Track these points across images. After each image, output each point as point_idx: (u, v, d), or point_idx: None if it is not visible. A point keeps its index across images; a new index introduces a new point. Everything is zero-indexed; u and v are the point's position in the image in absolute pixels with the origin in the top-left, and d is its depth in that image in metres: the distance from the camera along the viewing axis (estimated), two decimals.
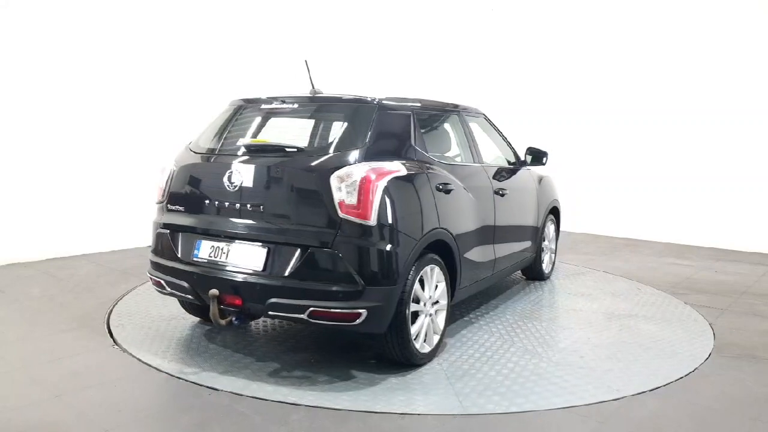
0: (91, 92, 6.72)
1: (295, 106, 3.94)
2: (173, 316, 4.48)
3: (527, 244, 5.28)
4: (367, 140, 3.46)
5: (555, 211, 6.10)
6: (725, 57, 8.20)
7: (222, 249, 3.48)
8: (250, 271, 3.35)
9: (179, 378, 3.37)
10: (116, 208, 7.00)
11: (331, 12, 9.32)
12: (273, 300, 3.24)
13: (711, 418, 3.03)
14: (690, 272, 6.53)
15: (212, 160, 3.75)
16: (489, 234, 4.39)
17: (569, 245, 7.99)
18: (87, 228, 6.74)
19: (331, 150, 3.45)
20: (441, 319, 3.76)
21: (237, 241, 3.45)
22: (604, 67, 9.34)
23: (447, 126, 4.58)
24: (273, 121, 4.08)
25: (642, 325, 4.52)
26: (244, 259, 3.39)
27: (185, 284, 3.51)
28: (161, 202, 3.83)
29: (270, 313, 3.30)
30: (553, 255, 6.14)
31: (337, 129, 3.81)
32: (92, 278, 5.60)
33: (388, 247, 3.26)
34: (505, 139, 5.28)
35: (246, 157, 3.54)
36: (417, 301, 3.51)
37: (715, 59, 8.28)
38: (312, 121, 4.38)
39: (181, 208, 3.70)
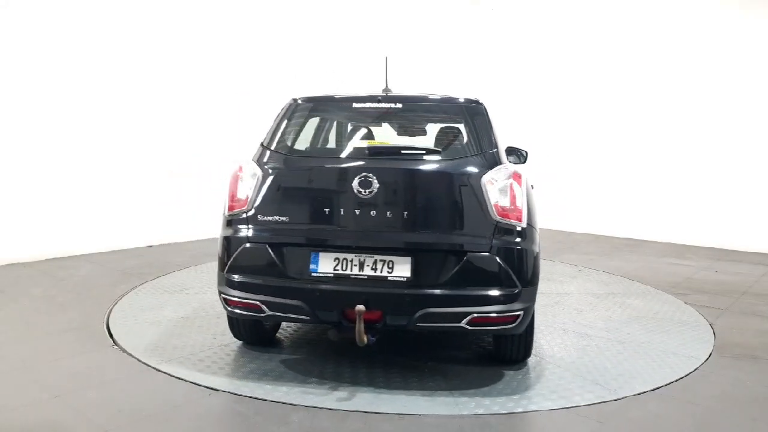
0: (90, 93, 6.72)
1: (398, 105, 3.64)
2: (173, 317, 4.48)
3: None
4: (494, 142, 3.42)
5: None
6: (725, 57, 8.20)
7: (352, 261, 3.16)
8: (395, 283, 3.11)
9: (179, 378, 3.36)
10: (116, 208, 7.00)
11: (331, 12, 9.31)
12: (426, 310, 3.05)
13: (711, 418, 3.03)
14: (690, 272, 6.53)
15: (329, 164, 3.41)
16: None
17: (569, 245, 7.98)
18: (87, 228, 6.74)
19: (470, 152, 3.39)
20: None
21: (373, 251, 3.16)
22: (605, 67, 9.34)
23: None
24: (371, 121, 3.93)
25: (642, 325, 4.52)
26: (386, 269, 3.13)
27: (301, 304, 3.14)
28: (244, 212, 3.33)
29: (419, 324, 3.08)
30: None
31: (458, 130, 3.67)
32: (92, 278, 5.60)
33: (535, 247, 3.27)
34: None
35: (378, 161, 3.28)
36: None
37: (714, 59, 8.28)
38: (413, 122, 4.19)
39: (282, 219, 3.26)
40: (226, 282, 3.32)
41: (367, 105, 3.61)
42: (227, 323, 3.84)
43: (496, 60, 10.48)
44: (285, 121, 3.62)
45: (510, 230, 3.16)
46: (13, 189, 6.17)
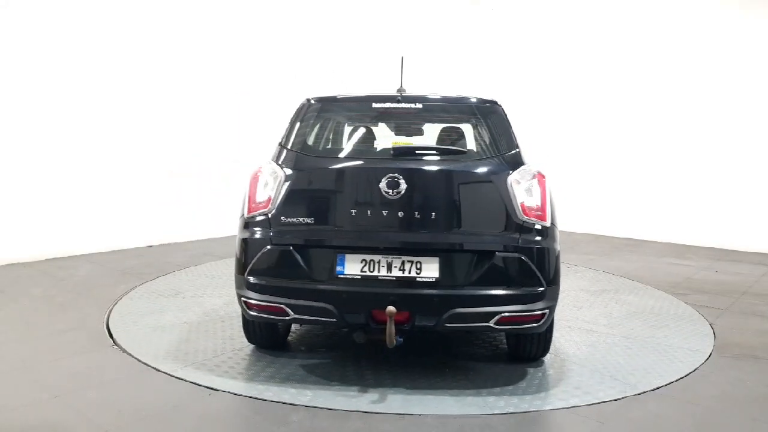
0: (90, 93, 6.72)
1: (418, 105, 3.63)
2: (172, 317, 4.48)
3: None
4: (515, 142, 3.45)
5: None
6: (725, 57, 8.20)
7: (379, 262, 3.13)
8: (424, 283, 3.10)
9: (179, 378, 3.36)
10: (116, 208, 7.00)
11: (330, 12, 9.32)
12: (455, 311, 3.05)
13: (711, 418, 3.03)
14: (690, 272, 6.53)
15: (354, 165, 3.37)
16: None
17: (570, 245, 7.98)
18: (87, 228, 6.74)
19: (493, 152, 3.41)
20: None
21: (400, 252, 3.14)
22: (605, 67, 9.34)
23: None
24: (391, 121, 3.92)
25: (642, 325, 4.52)
26: (414, 270, 3.12)
27: (328, 306, 3.10)
28: (266, 214, 3.25)
29: (447, 325, 3.09)
30: None
31: (480, 131, 3.67)
32: (92, 278, 5.60)
33: (557, 245, 3.30)
34: None
35: (405, 162, 3.27)
36: None
37: (714, 59, 8.28)
38: (432, 121, 4.18)
39: (307, 220, 3.21)
40: (246, 285, 3.25)
41: (387, 105, 3.59)
42: (241, 326, 3.80)
43: (495, 60, 10.48)
44: (302, 122, 3.57)
45: (535, 230, 3.19)
46: (13, 189, 6.17)
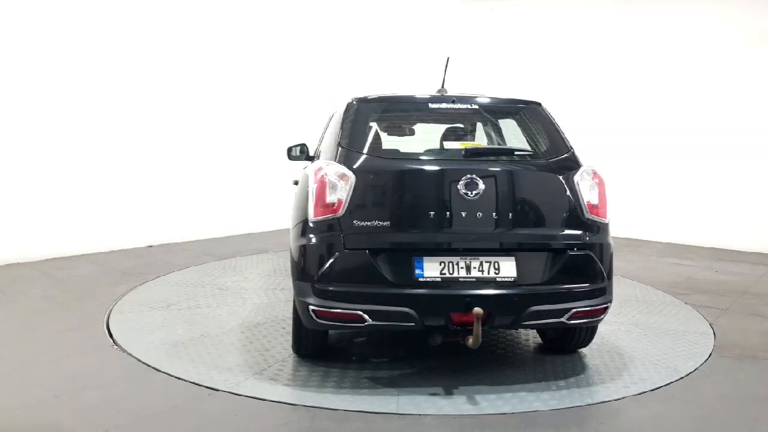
0: (90, 93, 6.72)
1: (473, 106, 3.68)
2: (172, 317, 4.48)
3: None
4: (568, 142, 3.55)
5: None
6: (724, 57, 8.20)
7: (458, 264, 3.12)
8: (503, 283, 3.12)
9: (179, 378, 3.36)
10: (116, 208, 7.00)
11: (328, 12, 9.32)
12: (533, 308, 3.08)
13: (711, 418, 3.03)
14: (690, 272, 6.53)
15: (430, 166, 3.30)
16: None
17: None
18: (87, 228, 6.74)
19: (557, 153, 3.47)
20: None
21: (478, 252, 3.15)
22: (603, 67, 9.34)
23: None
24: (446, 122, 3.93)
25: (642, 325, 4.52)
26: (493, 270, 3.13)
27: (408, 310, 3.03)
28: (336, 218, 3.13)
29: (524, 323, 3.14)
30: None
31: (533, 131, 3.70)
32: (92, 278, 5.60)
33: (612, 242, 3.42)
34: None
35: (479, 163, 3.28)
36: None
37: (714, 59, 8.28)
38: (482, 122, 4.18)
39: (383, 223, 3.13)
40: (315, 292, 3.10)
41: (443, 106, 3.62)
42: (241, 327, 3.74)
43: (495, 60, 10.48)
44: (357, 122, 3.48)
45: (598, 227, 3.32)
46: (13, 189, 6.17)
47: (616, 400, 3.21)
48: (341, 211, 3.12)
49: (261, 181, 8.38)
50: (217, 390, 3.21)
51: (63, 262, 6.22)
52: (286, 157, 5.14)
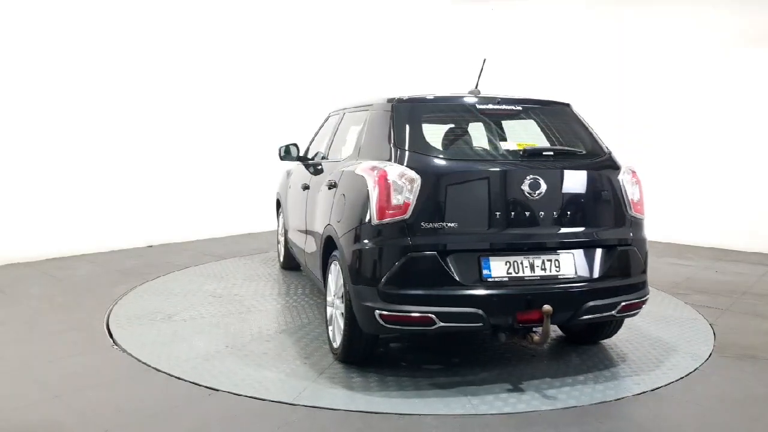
0: (90, 93, 6.72)
1: (518, 108, 3.71)
2: (172, 317, 4.48)
3: None
4: (601, 141, 3.70)
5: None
6: (724, 57, 8.20)
7: (522, 263, 3.19)
8: (564, 280, 3.23)
9: (179, 378, 3.36)
10: (116, 208, 7.00)
11: (327, 12, 9.31)
12: (590, 303, 3.21)
13: (711, 418, 3.03)
14: (690, 272, 6.53)
15: (494, 167, 3.29)
16: None
17: None
18: (87, 228, 6.75)
19: (601, 153, 3.62)
20: None
21: (540, 251, 3.24)
22: (604, 66, 9.34)
23: None
24: (493, 123, 3.96)
25: (642, 325, 4.51)
26: (554, 268, 3.24)
27: (478, 311, 3.04)
28: (403, 220, 3.08)
29: (581, 318, 3.24)
30: None
31: (573, 132, 3.78)
32: (92, 278, 5.60)
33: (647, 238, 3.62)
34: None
35: (539, 163, 3.36)
36: None
37: (714, 59, 8.28)
38: (521, 122, 4.17)
39: (451, 225, 3.11)
40: (383, 297, 3.06)
41: (490, 107, 3.68)
42: (241, 327, 3.71)
43: (495, 59, 10.48)
44: (411, 123, 3.43)
45: (639, 223, 3.53)
46: (13, 189, 6.17)
47: (615, 400, 3.21)
48: (408, 213, 3.08)
49: (261, 181, 8.37)
50: (217, 390, 3.21)
51: (63, 262, 6.22)
52: (278, 157, 5.13)
